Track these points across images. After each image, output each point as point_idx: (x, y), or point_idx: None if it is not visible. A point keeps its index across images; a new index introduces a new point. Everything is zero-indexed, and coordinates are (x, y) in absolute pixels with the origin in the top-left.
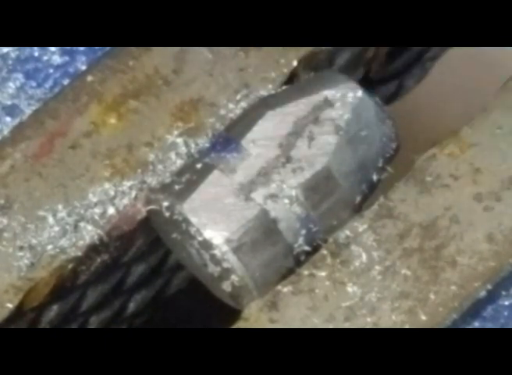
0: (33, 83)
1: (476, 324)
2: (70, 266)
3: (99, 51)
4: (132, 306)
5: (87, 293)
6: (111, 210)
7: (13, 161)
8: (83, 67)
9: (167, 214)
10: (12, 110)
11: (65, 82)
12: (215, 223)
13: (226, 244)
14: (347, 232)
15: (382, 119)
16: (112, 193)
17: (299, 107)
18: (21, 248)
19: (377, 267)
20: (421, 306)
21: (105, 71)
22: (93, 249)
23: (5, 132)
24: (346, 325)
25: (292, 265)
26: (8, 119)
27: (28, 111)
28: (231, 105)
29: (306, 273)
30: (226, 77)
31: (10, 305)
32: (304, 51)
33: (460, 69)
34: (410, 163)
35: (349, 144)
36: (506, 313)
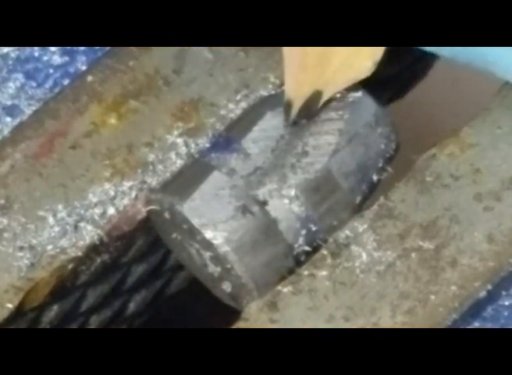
0: (33, 83)
1: (476, 324)
2: (70, 266)
3: (99, 51)
4: (132, 306)
5: (87, 293)
6: (111, 210)
7: (13, 161)
8: (83, 67)
9: (167, 214)
10: (12, 110)
11: (65, 82)
12: (215, 223)
13: (226, 244)
14: (347, 232)
15: (382, 119)
16: (112, 193)
17: None
18: (21, 248)
19: (377, 267)
20: (421, 306)
21: (105, 71)
22: (93, 249)
23: (5, 132)
24: (346, 325)
25: (292, 265)
26: (8, 119)
27: (28, 111)
28: (231, 105)
29: (306, 273)
30: (226, 77)
31: (10, 305)
32: None
33: (460, 69)
34: (410, 163)
35: (349, 144)
36: (506, 313)
